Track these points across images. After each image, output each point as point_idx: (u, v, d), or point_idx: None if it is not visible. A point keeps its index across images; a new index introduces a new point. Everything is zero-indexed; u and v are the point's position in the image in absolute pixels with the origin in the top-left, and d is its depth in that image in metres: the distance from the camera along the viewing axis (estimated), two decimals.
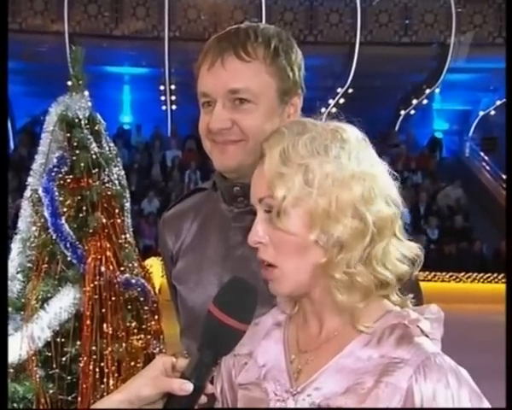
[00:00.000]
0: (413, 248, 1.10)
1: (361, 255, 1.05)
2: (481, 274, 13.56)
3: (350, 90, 16.53)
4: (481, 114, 19.05)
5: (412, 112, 18.59)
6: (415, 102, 18.01)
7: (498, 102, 17.48)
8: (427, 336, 1.07)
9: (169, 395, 1.03)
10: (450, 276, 13.28)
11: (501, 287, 11.69)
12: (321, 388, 1.06)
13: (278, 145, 1.08)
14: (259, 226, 1.09)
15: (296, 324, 1.16)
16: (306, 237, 1.05)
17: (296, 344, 1.14)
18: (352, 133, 1.10)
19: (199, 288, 1.43)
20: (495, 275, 13.23)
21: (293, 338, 1.15)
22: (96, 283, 1.89)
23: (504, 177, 15.87)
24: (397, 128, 18.72)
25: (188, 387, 1.03)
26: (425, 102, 18.12)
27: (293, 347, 1.14)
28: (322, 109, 16.34)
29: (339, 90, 16.78)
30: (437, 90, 17.37)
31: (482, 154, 18.51)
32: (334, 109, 16.41)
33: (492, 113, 18.39)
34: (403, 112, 18.46)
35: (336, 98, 16.84)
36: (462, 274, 13.52)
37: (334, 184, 1.04)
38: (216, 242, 1.44)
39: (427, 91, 17.35)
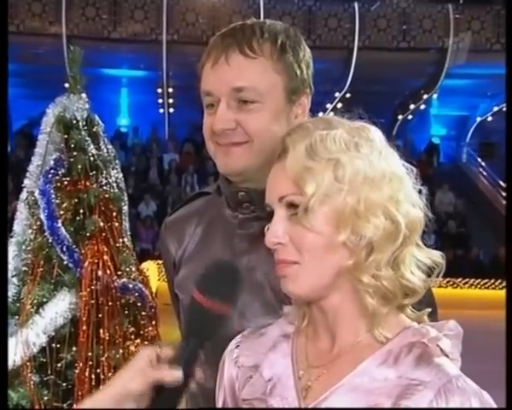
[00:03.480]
0: (434, 256, 1.04)
1: (389, 259, 1.00)
2: (478, 280, 13.56)
3: (348, 95, 16.54)
4: (479, 119, 19.09)
5: (410, 117, 18.62)
6: (412, 107, 18.05)
7: (496, 108, 17.52)
8: (447, 356, 1.00)
9: (158, 386, 1.01)
10: (448, 282, 13.26)
11: (498, 293, 11.70)
12: (332, 407, 0.99)
13: (304, 140, 1.02)
14: (279, 226, 1.02)
15: (306, 336, 1.09)
16: (334, 238, 1.00)
17: (305, 359, 1.07)
18: (377, 133, 1.06)
19: None
20: (492, 281, 13.22)
21: (302, 352, 1.08)
22: (92, 287, 1.86)
23: (501, 183, 15.89)
24: (394, 133, 18.74)
25: (177, 374, 1.01)
26: (423, 107, 18.16)
27: (302, 361, 1.07)
28: (320, 114, 16.34)
29: (337, 94, 16.80)
30: (435, 96, 17.41)
31: (479, 159, 18.54)
32: (331, 114, 16.41)
33: (490, 119, 18.43)
34: (400, 117, 18.48)
35: (334, 102, 16.85)
36: (460, 280, 13.52)
37: (365, 182, 0.99)
38: (220, 249, 1.38)
39: (425, 97, 17.39)
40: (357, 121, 1.07)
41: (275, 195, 1.04)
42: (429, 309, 1.07)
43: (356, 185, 0.99)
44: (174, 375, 1.01)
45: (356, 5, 15.78)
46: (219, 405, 1.15)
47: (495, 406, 0.97)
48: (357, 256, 0.99)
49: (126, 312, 1.92)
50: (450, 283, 13.36)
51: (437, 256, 1.04)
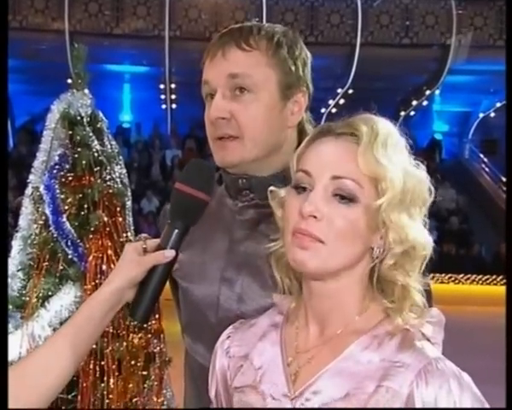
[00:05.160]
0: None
1: (415, 267, 1.08)
2: (480, 276, 13.57)
3: (350, 91, 16.53)
4: (481, 116, 19.05)
5: (412, 113, 18.58)
6: (415, 103, 18.01)
7: (498, 105, 17.48)
8: (428, 341, 1.05)
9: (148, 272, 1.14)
10: (449, 277, 13.28)
11: (500, 289, 11.70)
12: (319, 392, 1.03)
13: (379, 136, 1.08)
14: (320, 199, 1.03)
15: (294, 325, 1.13)
16: (373, 238, 1.06)
17: (294, 346, 1.10)
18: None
19: (202, 282, 1.40)
20: (494, 277, 13.23)
21: (291, 340, 1.12)
22: (97, 281, 1.88)
23: (504, 179, 15.88)
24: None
25: (171, 253, 1.14)
26: (425, 103, 18.12)
27: (291, 349, 1.11)
28: (322, 110, 16.38)
29: (339, 90, 16.78)
30: (437, 92, 17.37)
31: (482, 156, 18.52)
32: (334, 110, 16.43)
33: (492, 115, 18.40)
34: (403, 113, 18.45)
35: (336, 99, 16.84)
36: (461, 276, 13.52)
37: (418, 198, 1.10)
38: (220, 235, 1.41)
39: (428, 93, 17.35)
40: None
41: (332, 171, 1.04)
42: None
43: (410, 199, 1.08)
44: (168, 254, 1.14)
45: (358, 1, 15.75)
46: (212, 394, 1.19)
47: (474, 386, 1.00)
48: (395, 258, 1.06)
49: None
50: (452, 279, 13.38)
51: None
